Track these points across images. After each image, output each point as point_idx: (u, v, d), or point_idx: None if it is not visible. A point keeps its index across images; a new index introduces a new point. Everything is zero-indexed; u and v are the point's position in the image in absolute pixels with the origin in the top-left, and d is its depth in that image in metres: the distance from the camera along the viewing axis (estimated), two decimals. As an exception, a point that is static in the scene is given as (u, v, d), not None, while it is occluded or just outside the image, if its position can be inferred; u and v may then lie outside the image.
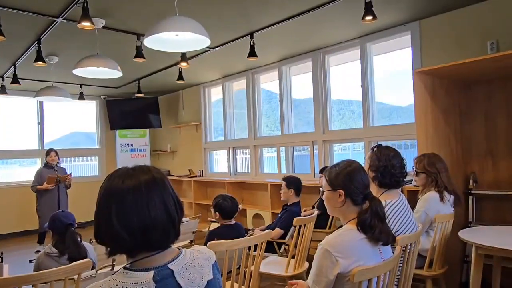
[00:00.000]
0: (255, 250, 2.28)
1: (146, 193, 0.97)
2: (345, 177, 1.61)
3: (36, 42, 4.14)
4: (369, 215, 1.53)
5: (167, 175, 7.28)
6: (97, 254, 2.57)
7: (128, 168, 1.04)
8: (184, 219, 3.19)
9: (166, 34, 2.76)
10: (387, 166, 2.07)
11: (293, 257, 2.89)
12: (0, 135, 6.89)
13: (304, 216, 3.47)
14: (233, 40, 4.44)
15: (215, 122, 7.16)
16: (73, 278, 1.82)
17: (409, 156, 3.62)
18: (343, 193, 1.59)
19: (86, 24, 3.10)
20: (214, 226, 3.35)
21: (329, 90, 5.09)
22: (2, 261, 2.45)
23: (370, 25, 4.04)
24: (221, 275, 1.14)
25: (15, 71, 5.08)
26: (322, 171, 4.16)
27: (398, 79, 4.59)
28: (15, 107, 7.09)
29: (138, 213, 0.95)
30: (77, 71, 3.82)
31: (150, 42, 2.86)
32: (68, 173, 5.42)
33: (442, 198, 2.71)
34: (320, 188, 1.74)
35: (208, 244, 1.93)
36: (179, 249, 1.05)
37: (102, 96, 7.88)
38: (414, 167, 2.94)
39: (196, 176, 6.97)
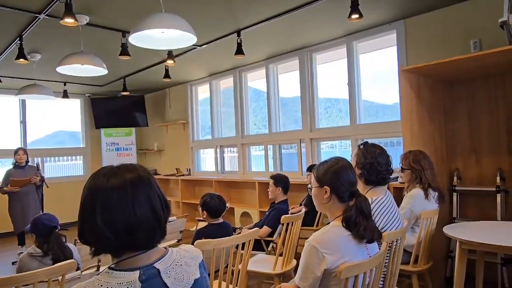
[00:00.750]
0: (242, 249, 2.27)
1: (131, 192, 0.95)
2: (331, 174, 1.62)
3: (18, 38, 4.04)
4: (354, 212, 1.54)
5: (154, 174, 7.22)
6: (82, 255, 2.53)
7: (113, 166, 1.02)
8: (171, 218, 3.16)
9: (151, 31, 2.73)
10: (373, 164, 2.09)
11: (281, 254, 2.89)
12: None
13: (291, 214, 3.48)
14: (220, 38, 4.42)
15: (203, 121, 7.13)
16: (57, 280, 1.79)
17: (395, 154, 3.67)
18: (329, 189, 1.61)
19: (69, 20, 3.04)
20: (201, 225, 3.33)
21: (316, 88, 5.11)
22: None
23: (356, 24, 4.08)
24: (209, 274, 1.14)
25: (-4, 68, 4.96)
26: (309, 169, 4.19)
27: (384, 77, 4.64)
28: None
29: (123, 212, 0.93)
30: (61, 69, 3.75)
31: (136, 39, 2.82)
32: (42, 172, 5.20)
33: (427, 195, 2.76)
34: (309, 185, 1.75)
35: (195, 243, 1.91)
36: (166, 248, 1.04)
37: (86, 94, 7.76)
38: (400, 164, 2.97)
39: (183, 175, 6.93)
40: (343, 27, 4.29)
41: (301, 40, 4.75)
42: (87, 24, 3.74)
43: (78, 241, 1.00)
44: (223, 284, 2.21)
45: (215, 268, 2.07)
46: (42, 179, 5.14)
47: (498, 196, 3.23)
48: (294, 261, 2.97)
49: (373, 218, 1.69)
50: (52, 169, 7.62)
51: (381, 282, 1.88)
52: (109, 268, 0.95)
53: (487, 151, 3.48)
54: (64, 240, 2.44)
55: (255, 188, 5.37)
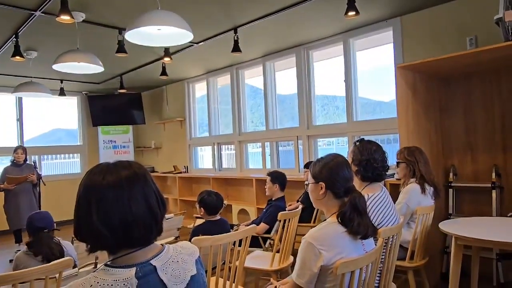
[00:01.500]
0: (240, 245, 2.28)
1: (127, 189, 0.95)
2: (326, 171, 1.63)
3: (14, 36, 4.03)
4: (348, 208, 1.55)
5: (151, 172, 7.21)
6: (79, 252, 2.54)
7: (108, 163, 1.01)
8: (169, 215, 3.17)
9: (148, 28, 2.72)
10: (369, 160, 2.10)
11: (278, 251, 2.90)
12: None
13: (288, 210, 3.49)
14: (216, 35, 4.41)
15: (200, 118, 7.12)
16: (54, 277, 1.79)
17: (392, 150, 3.68)
18: (324, 185, 1.62)
19: (65, 17, 3.03)
20: (199, 222, 3.34)
21: (313, 86, 5.12)
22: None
23: (353, 21, 4.08)
24: (206, 271, 1.14)
25: (-9, 66, 4.93)
26: (306, 166, 4.20)
27: (381, 74, 4.65)
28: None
29: (119, 209, 0.93)
30: (57, 66, 3.73)
31: (132, 36, 2.81)
32: (39, 170, 5.19)
33: (423, 190, 2.77)
34: (306, 182, 1.76)
35: (192, 240, 1.92)
36: (162, 245, 1.04)
37: (83, 92, 7.73)
38: (396, 160, 2.99)
39: (181, 173, 6.93)
40: (340, 24, 4.29)
41: (298, 37, 4.75)
42: (83, 21, 3.73)
43: (75, 238, 1.00)
44: (220, 280, 2.22)
45: (213, 264, 2.08)
46: (39, 177, 5.13)
47: (494, 192, 3.25)
48: (291, 258, 2.98)
49: (369, 214, 1.70)
50: (49, 167, 7.60)
51: (377, 278, 1.89)
52: (105, 265, 0.95)
53: (482, 147, 3.50)
54: (54, 241, 2.41)
55: (253, 185, 5.37)
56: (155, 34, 2.89)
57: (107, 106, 7.55)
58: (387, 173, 2.23)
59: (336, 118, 5.13)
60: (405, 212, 2.70)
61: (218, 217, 3.02)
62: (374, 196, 2.07)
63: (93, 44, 4.42)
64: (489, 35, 3.27)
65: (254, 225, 2.45)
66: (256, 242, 3.46)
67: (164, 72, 5.46)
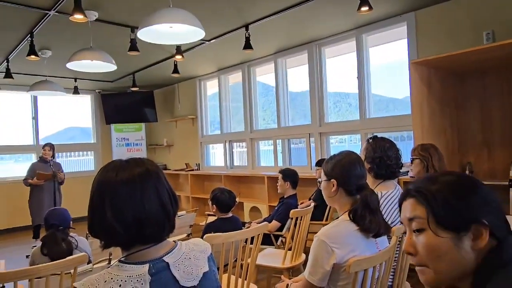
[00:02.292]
0: (251, 243, 2.28)
1: (140, 186, 0.96)
2: (339, 168, 1.61)
3: (29, 35, 4.09)
4: (360, 205, 1.53)
5: (164, 169, 7.28)
6: (93, 248, 2.57)
7: (121, 160, 1.02)
8: (181, 212, 3.18)
9: (160, 26, 2.73)
10: (382, 157, 2.06)
11: (290, 249, 2.89)
12: (-6, 130, 6.84)
13: (300, 208, 3.48)
14: (228, 32, 4.41)
15: (211, 116, 7.14)
16: (70, 273, 1.82)
17: (406, 148, 3.63)
18: (336, 183, 1.60)
19: (78, 16, 3.06)
20: (211, 219, 3.35)
21: (325, 82, 5.08)
22: (-2, 257, 2.44)
23: (366, 16, 4.03)
24: (218, 268, 1.14)
25: (7, 65, 5.02)
26: (318, 163, 4.17)
27: (395, 70, 4.58)
28: (9, 102, 7.02)
29: (132, 206, 0.94)
30: (71, 65, 3.78)
31: (144, 34, 2.82)
32: (63, 169, 5.41)
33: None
34: (318, 179, 1.74)
35: (204, 237, 1.92)
36: (175, 242, 1.05)
37: (97, 90, 7.82)
38: (410, 157, 2.94)
39: (192, 170, 6.96)
40: (352, 20, 4.24)
41: (309, 33, 4.72)
42: (96, 20, 3.76)
43: (89, 234, 1.01)
44: (232, 277, 2.23)
45: (224, 262, 2.08)
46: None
47: (511, 190, 3.18)
48: (304, 256, 2.97)
49: (382, 212, 1.68)
50: (64, 164, 7.69)
51: (391, 277, 1.87)
52: (119, 261, 0.96)
53: (499, 144, 3.42)
54: (67, 239, 2.43)
55: (264, 183, 5.37)
56: (167, 32, 2.90)
57: (120, 104, 7.62)
58: (401, 170, 2.20)
59: (349, 115, 5.08)
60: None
61: (230, 214, 3.02)
62: (388, 194, 2.04)
63: (106, 43, 4.46)
64: (507, 29, 3.19)
65: (266, 222, 2.45)
66: (268, 240, 3.46)
67: (176, 70, 5.48)
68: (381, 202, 1.88)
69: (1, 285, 1.67)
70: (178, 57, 4.64)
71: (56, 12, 3.54)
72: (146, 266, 0.93)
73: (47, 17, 3.68)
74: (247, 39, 4.22)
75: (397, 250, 1.84)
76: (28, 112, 7.19)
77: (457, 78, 3.59)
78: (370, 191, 1.60)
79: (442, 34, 3.77)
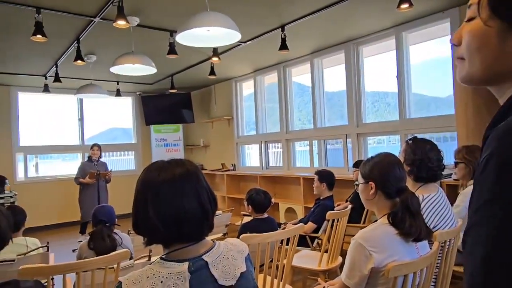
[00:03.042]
0: (287, 244, 2.28)
1: (180, 185, 1.00)
2: (377, 170, 1.58)
3: (76, 41, 4.32)
4: (400, 208, 1.49)
5: (200, 169, 7.47)
6: (135, 245, 2.67)
7: (163, 161, 1.07)
8: (217, 212, 3.24)
9: (197, 29, 2.80)
10: (423, 160, 1.99)
11: (326, 251, 2.86)
12: (45, 131, 7.27)
13: (337, 210, 3.43)
14: (264, 34, 4.43)
15: (247, 116, 7.20)
16: (113, 267, 1.90)
17: (448, 149, 3.48)
18: (374, 185, 1.56)
19: (121, 22, 3.19)
20: (246, 219, 3.38)
21: (363, 82, 4.97)
22: (48, 250, 2.59)
23: (406, 13, 3.90)
24: (254, 268, 1.15)
25: (56, 70, 5.33)
26: (356, 165, 4.09)
27: (437, 69, 4.40)
28: (57, 105, 7.44)
29: (172, 204, 0.98)
30: (114, 69, 3.95)
31: (183, 38, 2.90)
32: (109, 168, 5.70)
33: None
34: (356, 182, 1.71)
35: (241, 237, 1.95)
36: (213, 241, 1.07)
37: (137, 92, 8.12)
38: (454, 159, 2.82)
39: (228, 170, 7.05)
40: (392, 18, 4.13)
41: (347, 32, 4.64)
42: (138, 25, 3.91)
43: (132, 231, 1.06)
44: (268, 278, 2.24)
45: (260, 262, 2.10)
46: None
47: None
48: (340, 258, 2.93)
49: (423, 216, 1.63)
50: (108, 164, 8.07)
51: (433, 283, 1.80)
52: (161, 258, 0.99)
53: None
54: (111, 235, 2.54)
55: (300, 184, 5.34)
56: (204, 35, 2.96)
57: (159, 105, 7.86)
58: (443, 173, 2.11)
59: (388, 116, 4.94)
60: (464, 216, 2.53)
61: (265, 215, 3.03)
62: (430, 197, 1.96)
63: (146, 47, 4.62)
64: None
65: (301, 224, 2.44)
66: (303, 241, 3.44)
67: (212, 72, 5.58)
68: (422, 205, 1.82)
69: (51, 277, 1.78)
70: (215, 59, 4.72)
71: (100, 18, 3.72)
72: (186, 264, 0.96)
73: (92, 24, 3.87)
74: (283, 40, 4.22)
75: (439, 256, 1.77)
76: (74, 114, 7.59)
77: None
78: (410, 193, 1.55)
79: (489, 29, 3.58)
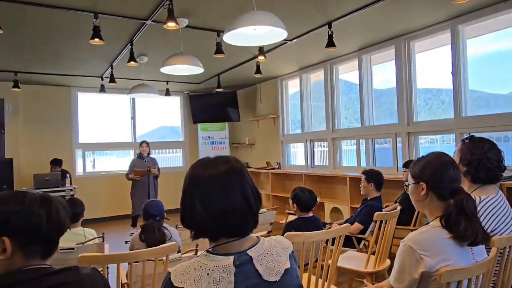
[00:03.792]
0: (332, 244, 2.24)
1: (226, 181, 1.02)
2: (429, 170, 1.50)
3: (129, 44, 4.54)
4: (453, 210, 1.40)
5: (246, 167, 7.57)
6: (182, 238, 2.76)
7: (210, 158, 1.10)
8: (262, 210, 3.26)
9: (244, 29, 2.82)
10: (481, 160, 1.86)
11: (373, 253, 2.78)
12: (100, 129, 7.73)
13: (385, 211, 3.32)
14: (310, 31, 4.38)
15: (292, 115, 7.17)
16: (162, 260, 1.98)
17: (510, 150, 3.24)
18: (425, 186, 1.49)
19: (171, 24, 3.31)
20: (291, 218, 3.37)
21: (414, 79, 4.76)
22: (103, 241, 2.76)
23: (463, 5, 3.67)
24: (298, 267, 1.15)
25: (112, 71, 5.64)
26: (406, 165, 3.93)
27: (497, 63, 4.11)
28: (112, 104, 7.88)
29: (219, 199, 1.00)
30: (164, 69, 4.10)
31: (229, 37, 2.94)
32: (158, 163, 5.94)
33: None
34: (405, 182, 1.64)
35: (285, 235, 1.94)
36: (257, 237, 1.08)
37: (185, 92, 8.37)
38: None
39: (273, 169, 7.07)
40: (446, 10, 3.91)
41: (397, 27, 4.46)
42: (186, 26, 4.03)
43: (180, 226, 1.10)
44: (313, 278, 2.22)
45: (304, 261, 2.08)
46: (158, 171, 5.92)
47: None
48: (388, 261, 2.83)
49: (480, 219, 1.53)
50: (158, 160, 8.43)
51: (490, 292, 1.69)
52: (207, 251, 1.02)
53: None
54: (161, 228, 2.65)
55: (346, 184, 5.23)
56: (251, 34, 2.98)
57: (206, 104, 8.06)
58: (503, 174, 1.97)
59: (441, 114, 4.69)
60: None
61: (310, 214, 3.01)
62: (487, 199, 1.84)
63: (194, 47, 4.75)
64: None
65: (347, 224, 2.39)
66: (349, 242, 3.37)
67: (258, 70, 5.61)
68: (479, 208, 1.71)
69: (106, 266, 1.89)
70: (261, 57, 4.74)
71: (152, 21, 3.88)
72: (231, 258, 0.99)
73: (144, 26, 4.05)
74: (330, 37, 4.14)
75: (497, 263, 1.65)
76: (127, 112, 7.99)
77: None
78: (466, 195, 1.46)
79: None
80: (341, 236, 2.22)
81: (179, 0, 3.35)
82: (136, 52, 4.75)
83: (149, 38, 4.46)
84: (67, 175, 6.14)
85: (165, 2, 3.36)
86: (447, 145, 4.73)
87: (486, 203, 1.82)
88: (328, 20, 4.06)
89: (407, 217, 3.64)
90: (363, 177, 3.66)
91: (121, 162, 7.81)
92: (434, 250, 1.38)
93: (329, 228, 2.76)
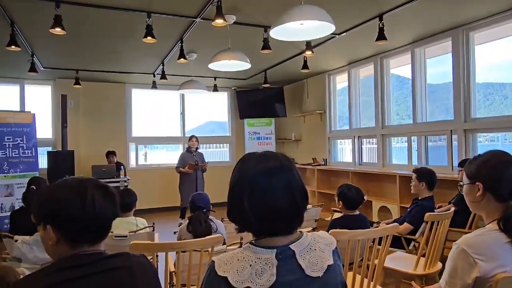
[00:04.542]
0: (379, 243, 2.18)
1: (275, 180, 1.01)
2: (486, 169, 1.40)
3: (179, 41, 4.68)
4: None
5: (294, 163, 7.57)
6: (227, 231, 2.82)
7: (259, 153, 1.09)
8: (307, 206, 3.24)
9: (291, 24, 2.81)
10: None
11: (423, 255, 2.66)
12: (152, 124, 8.08)
13: (438, 212, 3.16)
14: (360, 24, 4.25)
15: (340, 111, 7.02)
16: (208, 250, 2.04)
17: None
18: (482, 186, 1.39)
19: (219, 21, 3.37)
20: (337, 215, 3.31)
21: (473, 73, 4.46)
22: (154, 230, 2.89)
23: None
24: (342, 265, 1.13)
25: (163, 68, 5.86)
26: (462, 163, 3.71)
27: None
28: (163, 100, 8.20)
29: (266, 200, 1.00)
30: (212, 65, 4.19)
31: (276, 33, 2.94)
32: (205, 157, 6.10)
33: None
34: (460, 182, 1.55)
35: (330, 231, 1.92)
36: (300, 232, 1.08)
37: (232, 87, 8.49)
38: None
39: (319, 165, 6.98)
40: (512, -2, 3.61)
41: (455, 18, 4.20)
42: (234, 23, 4.08)
43: (226, 219, 1.12)
44: (358, 277, 2.17)
45: (350, 260, 2.04)
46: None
47: None
48: (440, 264, 2.70)
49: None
50: (204, 155, 8.65)
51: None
52: (250, 243, 1.03)
53: None
54: (207, 220, 2.72)
55: (396, 182, 5.04)
56: (298, 29, 2.96)
57: (253, 100, 8.12)
58: None
59: (504, 110, 4.37)
60: None
61: (357, 212, 2.94)
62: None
63: (241, 43, 4.80)
64: None
65: (396, 224, 2.30)
66: (398, 243, 3.25)
67: (305, 66, 5.56)
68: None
69: (156, 254, 1.98)
70: (308, 52, 4.68)
71: (201, 19, 3.97)
72: (274, 252, 0.99)
73: (194, 24, 4.16)
74: (381, 30, 3.99)
75: None
76: (177, 108, 8.27)
77: None
78: (528, 196, 1.35)
79: None
80: (388, 235, 2.15)
81: (227, -3, 3.40)
82: (186, 49, 4.89)
83: (198, 36, 4.58)
84: (122, 167, 6.49)
85: (213, 0, 3.42)
86: (510, 143, 4.40)
87: (553, 206, 1.67)
88: (379, 12, 3.91)
89: (462, 219, 3.44)
90: (414, 175, 3.50)
91: (170, 156, 8.11)
92: (490, 254, 1.30)
93: (377, 227, 2.68)
